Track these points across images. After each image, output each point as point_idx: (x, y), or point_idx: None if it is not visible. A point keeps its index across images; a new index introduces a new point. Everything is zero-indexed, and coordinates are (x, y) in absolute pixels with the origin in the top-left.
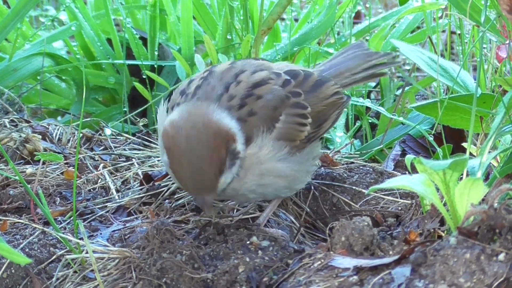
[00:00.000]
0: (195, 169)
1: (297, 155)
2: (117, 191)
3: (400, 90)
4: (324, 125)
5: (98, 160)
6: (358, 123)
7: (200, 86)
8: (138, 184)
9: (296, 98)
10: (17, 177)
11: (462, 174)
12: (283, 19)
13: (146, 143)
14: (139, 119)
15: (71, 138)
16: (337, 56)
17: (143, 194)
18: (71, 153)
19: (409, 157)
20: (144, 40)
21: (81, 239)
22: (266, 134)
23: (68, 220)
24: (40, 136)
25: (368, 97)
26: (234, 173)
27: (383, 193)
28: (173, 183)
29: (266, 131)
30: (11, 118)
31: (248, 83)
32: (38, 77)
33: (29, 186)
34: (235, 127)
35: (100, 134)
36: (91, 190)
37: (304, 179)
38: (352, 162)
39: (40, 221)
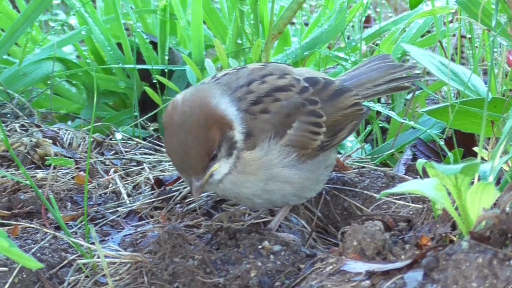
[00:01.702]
0: (183, 147)
1: (308, 163)
2: (128, 195)
3: (410, 95)
4: (340, 134)
5: (109, 165)
6: (368, 127)
7: (229, 74)
8: (149, 188)
9: (313, 106)
10: (28, 182)
11: (473, 179)
12: (293, 24)
13: (157, 147)
14: (149, 124)
15: (82, 143)
16: (360, 66)
17: (154, 199)
18: (82, 158)
19: (421, 162)
20: (154, 44)
21: (92, 243)
22: (274, 140)
23: (79, 225)
24: (50, 141)
25: (379, 101)
26: (230, 164)
27: (394, 197)
28: (184, 188)
29: (275, 137)
30: (21, 123)
31: (271, 85)
32: (48, 82)
33: (40, 190)
34: (234, 115)
35: (110, 139)
36: (102, 194)
37: (314, 188)
38: (363, 167)
39: (51, 225)
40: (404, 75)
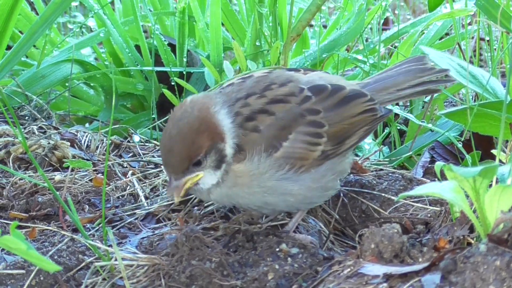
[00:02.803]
0: (171, 143)
1: (312, 172)
2: (146, 198)
3: (428, 97)
4: (347, 141)
5: (126, 167)
6: (386, 130)
7: (233, 84)
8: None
9: (313, 116)
10: (46, 184)
11: (491, 181)
12: (312, 26)
13: None
14: None
15: (100, 145)
16: (391, 68)
17: (172, 201)
18: (100, 160)
19: (439, 164)
20: (172, 46)
21: (110, 246)
22: (266, 153)
23: (97, 227)
24: (68, 143)
25: (397, 103)
26: (218, 177)
27: (412, 200)
28: None
29: (267, 150)
30: (39, 125)
31: (268, 98)
32: (67, 84)
33: (58, 193)
34: (228, 127)
35: (128, 141)
36: (120, 197)
37: (322, 195)
38: (381, 169)
39: (69, 228)
40: (434, 79)
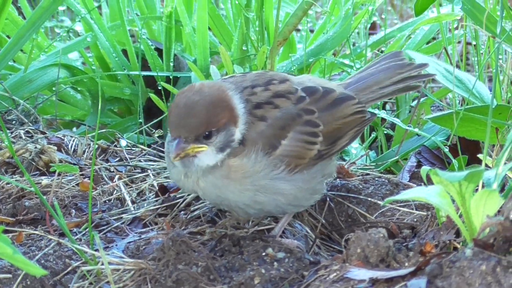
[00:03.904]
0: (191, 104)
1: (304, 173)
2: (133, 202)
3: (415, 101)
4: (339, 142)
5: (113, 172)
6: (373, 134)
7: (235, 76)
8: (154, 195)
9: (309, 116)
10: (32, 189)
11: (477, 186)
12: (298, 30)
13: (162, 154)
14: (154, 130)
15: (87, 149)
16: (369, 67)
17: (159, 206)
18: (87, 165)
19: (425, 169)
20: (159, 51)
21: (96, 250)
22: (263, 151)
23: (84, 232)
24: (55, 147)
25: (384, 108)
26: (218, 160)
27: (398, 204)
28: (188, 195)
29: (265, 149)
30: (26, 129)
31: (272, 92)
32: (54, 88)
33: (44, 197)
34: (241, 112)
35: (115, 146)
36: (107, 201)
37: (310, 197)
38: (368, 174)
39: (56, 232)
40: (413, 74)
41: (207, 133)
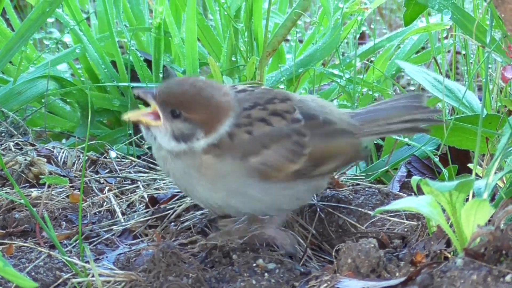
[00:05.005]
0: (189, 85)
1: (282, 185)
2: (123, 214)
3: None
4: (324, 168)
5: (103, 183)
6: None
7: (246, 90)
8: (144, 207)
9: (298, 137)
10: (22, 201)
11: (468, 195)
12: (287, 41)
13: (152, 165)
14: (144, 142)
15: (76, 161)
16: (386, 101)
17: (149, 217)
18: (76, 176)
19: (415, 179)
20: (148, 62)
21: (87, 262)
22: (239, 158)
23: (74, 244)
24: (45, 159)
25: None
26: (175, 145)
27: (389, 214)
28: (179, 206)
29: (241, 156)
30: (16, 142)
31: (269, 111)
32: (43, 100)
33: (34, 209)
34: (232, 116)
35: (105, 157)
36: (97, 213)
37: (291, 201)
38: (358, 184)
39: (46, 244)
40: (425, 117)
41: (178, 112)
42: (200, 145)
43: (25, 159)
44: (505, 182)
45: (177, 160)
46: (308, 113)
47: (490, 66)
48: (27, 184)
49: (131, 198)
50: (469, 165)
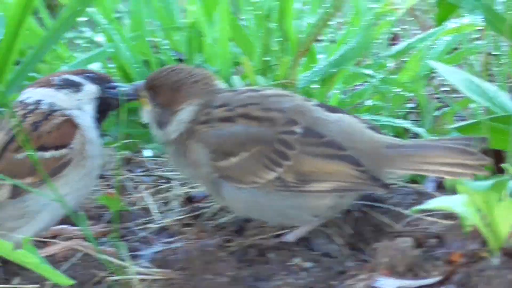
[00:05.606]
0: (171, 67)
1: (263, 192)
2: (158, 212)
3: (439, 111)
4: (315, 185)
5: (138, 182)
6: None
7: (250, 90)
8: (179, 205)
9: (284, 148)
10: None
11: (501, 195)
12: (320, 41)
13: None
14: None
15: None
16: (438, 139)
17: (184, 215)
18: (111, 175)
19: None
20: (181, 61)
21: (123, 260)
22: (214, 158)
23: (110, 242)
24: None
25: (406, 118)
26: (160, 126)
27: (424, 214)
28: (214, 204)
29: (215, 155)
30: None
31: (238, 113)
32: None
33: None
34: (196, 104)
35: (139, 156)
36: (132, 211)
37: (306, 215)
38: (393, 183)
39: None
40: (469, 163)
41: (154, 97)
42: (171, 131)
43: None
44: None
45: (171, 145)
46: (313, 130)
47: None
48: None
49: (166, 197)
50: (502, 165)
